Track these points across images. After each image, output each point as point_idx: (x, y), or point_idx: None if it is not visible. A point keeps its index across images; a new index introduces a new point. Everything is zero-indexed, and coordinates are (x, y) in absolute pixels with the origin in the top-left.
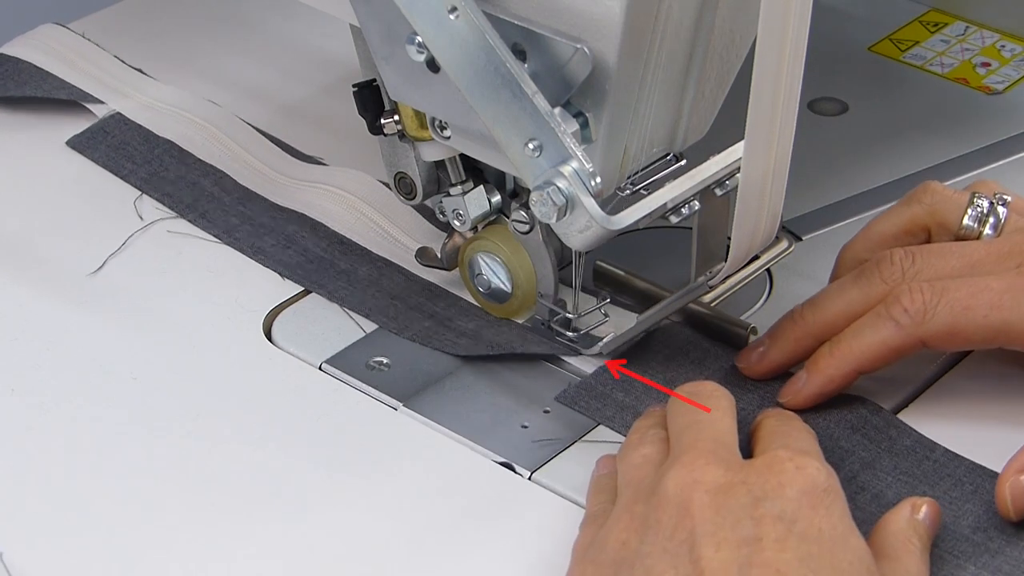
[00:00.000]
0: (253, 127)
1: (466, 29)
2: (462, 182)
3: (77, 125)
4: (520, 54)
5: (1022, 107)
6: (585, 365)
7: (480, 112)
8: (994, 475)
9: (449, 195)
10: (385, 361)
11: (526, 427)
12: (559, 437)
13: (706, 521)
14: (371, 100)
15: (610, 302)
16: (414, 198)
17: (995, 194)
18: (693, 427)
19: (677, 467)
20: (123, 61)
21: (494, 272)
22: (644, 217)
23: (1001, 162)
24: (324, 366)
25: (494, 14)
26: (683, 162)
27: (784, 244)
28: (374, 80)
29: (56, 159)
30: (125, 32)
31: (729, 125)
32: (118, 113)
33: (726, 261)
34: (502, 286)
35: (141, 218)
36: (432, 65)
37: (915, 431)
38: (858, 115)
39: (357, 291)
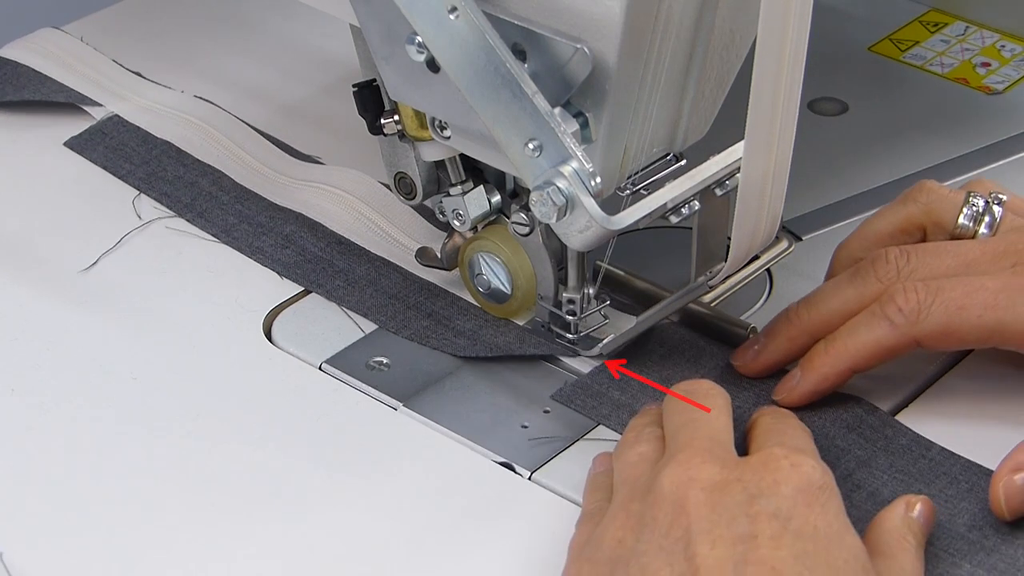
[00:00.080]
0: (251, 127)
1: (466, 29)
2: (462, 182)
3: (76, 126)
4: (520, 54)
5: (1022, 107)
6: (585, 366)
7: (480, 112)
8: (990, 473)
9: (449, 195)
10: (385, 361)
11: (526, 427)
12: (555, 436)
13: (702, 519)
14: (371, 100)
15: (610, 304)
16: (414, 198)
17: (991, 193)
18: (689, 425)
19: (673, 465)
20: (121, 65)
21: (494, 272)
22: (644, 217)
23: (1001, 162)
24: (324, 366)
25: (494, 14)
26: (683, 162)
27: (784, 244)
28: (374, 80)
29: (55, 159)
30: (125, 32)
31: (729, 125)
32: (116, 115)
33: (726, 261)
34: (502, 286)
35: (139, 217)
36: (432, 65)
37: (911, 431)
38: (858, 115)
39: (355, 290)
